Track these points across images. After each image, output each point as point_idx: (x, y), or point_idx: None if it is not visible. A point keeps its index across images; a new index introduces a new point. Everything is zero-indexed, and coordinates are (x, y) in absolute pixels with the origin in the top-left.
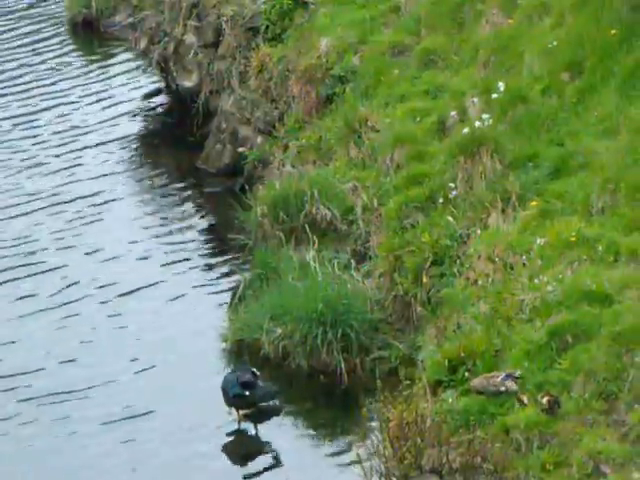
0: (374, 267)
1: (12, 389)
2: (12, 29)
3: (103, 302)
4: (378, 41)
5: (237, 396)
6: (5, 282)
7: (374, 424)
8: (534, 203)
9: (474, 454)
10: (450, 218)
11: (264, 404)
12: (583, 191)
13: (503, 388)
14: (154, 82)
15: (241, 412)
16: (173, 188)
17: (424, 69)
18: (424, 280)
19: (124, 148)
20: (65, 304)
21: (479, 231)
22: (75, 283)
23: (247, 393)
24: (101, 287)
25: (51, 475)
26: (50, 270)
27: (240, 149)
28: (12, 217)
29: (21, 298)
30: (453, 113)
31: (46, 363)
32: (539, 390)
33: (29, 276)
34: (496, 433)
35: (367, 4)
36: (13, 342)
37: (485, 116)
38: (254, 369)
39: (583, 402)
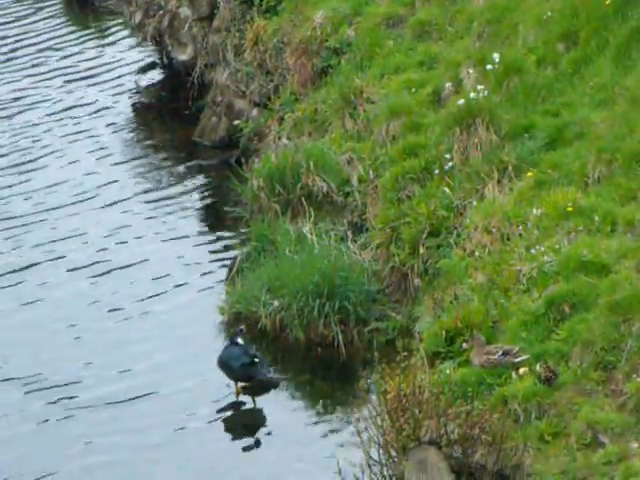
0: (371, 239)
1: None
2: (6, 4)
3: (99, 275)
4: (373, 13)
5: (246, 365)
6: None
7: (372, 396)
8: (530, 174)
9: (472, 425)
10: (446, 189)
11: (264, 377)
12: (579, 161)
13: (504, 361)
14: (149, 56)
15: (239, 385)
16: (169, 161)
17: (419, 40)
18: (421, 251)
19: (119, 122)
20: (66, 276)
21: (475, 202)
22: (71, 261)
23: (257, 360)
24: (97, 262)
25: None
26: (47, 243)
27: (236, 122)
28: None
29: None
30: (448, 84)
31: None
32: (537, 360)
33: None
34: (494, 404)
35: None
36: None
37: (480, 87)
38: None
39: (581, 372)
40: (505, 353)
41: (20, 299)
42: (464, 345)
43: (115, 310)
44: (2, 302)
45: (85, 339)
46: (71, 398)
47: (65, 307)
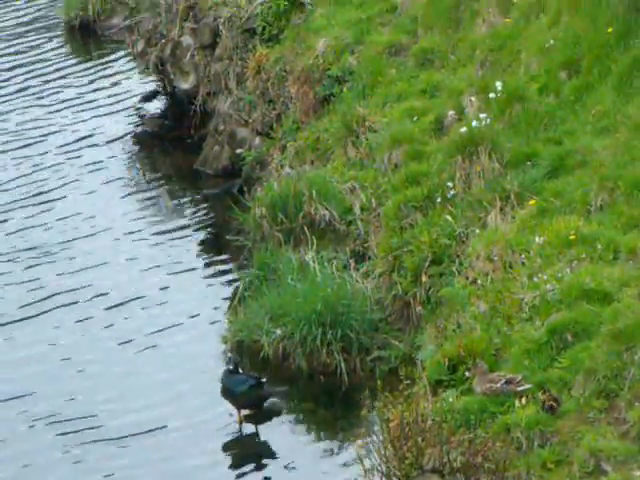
0: (373, 267)
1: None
2: (8, 33)
3: (104, 309)
4: (375, 41)
5: (254, 388)
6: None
7: (375, 424)
8: (532, 202)
9: (475, 453)
10: (449, 217)
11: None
12: (581, 189)
13: (507, 390)
14: (151, 84)
15: (243, 412)
16: (171, 190)
17: (421, 69)
18: (423, 280)
19: (121, 150)
20: (61, 308)
21: (478, 230)
22: (72, 290)
23: (264, 380)
24: (101, 294)
25: None
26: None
27: (238, 150)
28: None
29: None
30: (451, 112)
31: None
32: (539, 389)
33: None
34: (497, 432)
35: (363, 4)
36: None
37: (483, 115)
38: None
39: (583, 400)
40: (508, 382)
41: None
42: (467, 373)
43: (122, 343)
44: (20, 334)
45: (92, 371)
46: (85, 430)
47: (71, 342)
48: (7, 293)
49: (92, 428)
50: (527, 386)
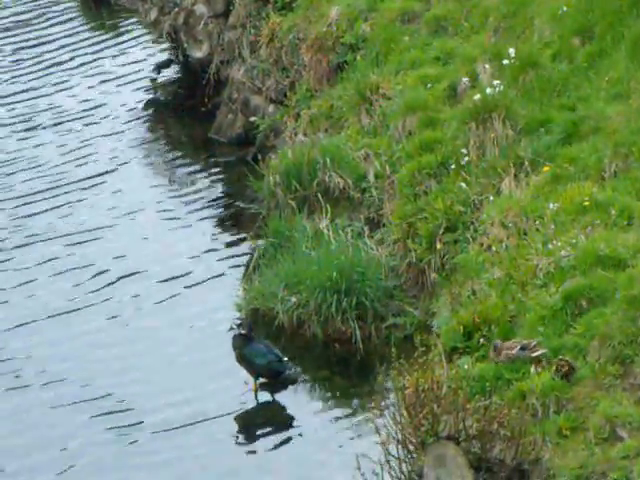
0: (388, 234)
1: None
2: (21, 3)
3: (119, 278)
4: (388, 8)
5: (274, 363)
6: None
7: (390, 391)
8: (546, 168)
9: (491, 420)
10: (463, 184)
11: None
12: (595, 156)
13: (523, 355)
14: (165, 53)
15: (258, 381)
16: (186, 158)
17: (434, 36)
18: (438, 247)
19: (136, 120)
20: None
21: (492, 197)
22: (91, 265)
23: (285, 358)
24: (117, 259)
25: None
26: (67, 252)
27: (252, 118)
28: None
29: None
30: (464, 79)
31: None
32: (555, 355)
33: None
34: (512, 399)
35: None
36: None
37: (496, 82)
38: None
39: (599, 367)
40: (523, 348)
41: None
42: (482, 340)
43: (138, 310)
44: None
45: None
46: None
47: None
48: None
49: (118, 400)
50: (542, 350)
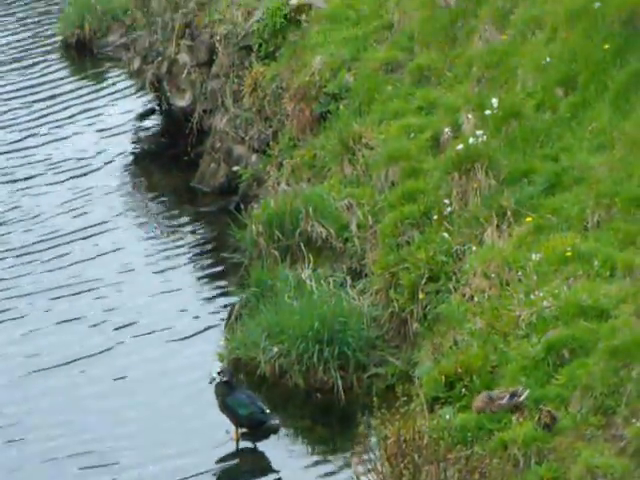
0: (370, 284)
1: None
2: (3, 50)
3: (98, 324)
4: (371, 58)
5: (256, 414)
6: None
7: (372, 441)
8: (529, 219)
9: (472, 470)
10: (445, 234)
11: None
12: (578, 206)
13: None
14: (148, 102)
15: (240, 430)
16: (168, 208)
17: (418, 85)
18: (420, 297)
19: (118, 168)
20: (65, 325)
21: (474, 247)
22: (75, 318)
23: (268, 411)
24: (103, 312)
25: None
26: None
27: (235, 168)
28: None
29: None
30: (447, 129)
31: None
32: (537, 405)
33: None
34: (494, 449)
35: (360, 21)
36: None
37: (479, 132)
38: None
39: (580, 417)
40: (512, 395)
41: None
42: (463, 390)
43: (115, 365)
44: None
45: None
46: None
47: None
48: None
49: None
50: (526, 391)
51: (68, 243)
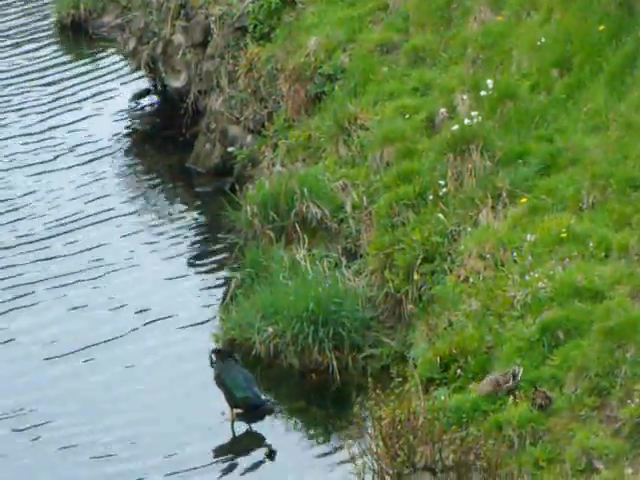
0: (365, 265)
1: None
2: None
3: (93, 300)
4: (366, 39)
5: (252, 400)
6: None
7: (366, 422)
8: (524, 200)
9: (467, 451)
10: (440, 215)
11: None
12: (573, 187)
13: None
14: (143, 83)
15: (235, 411)
16: (163, 188)
17: (413, 66)
18: (415, 277)
19: (113, 149)
20: (61, 306)
21: (469, 228)
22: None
23: (262, 397)
24: (94, 287)
25: None
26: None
27: (230, 148)
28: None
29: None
30: (442, 110)
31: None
32: (531, 387)
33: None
34: (489, 430)
35: (355, 2)
36: None
37: (474, 113)
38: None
39: (575, 398)
40: (514, 376)
41: None
42: (459, 372)
43: (111, 339)
44: None
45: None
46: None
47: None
48: None
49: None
50: (521, 369)
51: (55, 221)
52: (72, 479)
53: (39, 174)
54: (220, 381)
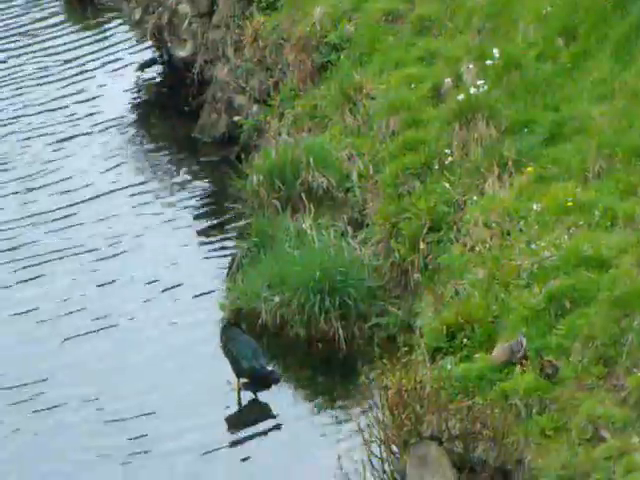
0: (371, 234)
1: None
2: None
3: (102, 271)
4: (372, 8)
5: (258, 371)
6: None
7: (373, 391)
8: (530, 169)
9: (473, 420)
10: (446, 184)
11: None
12: (579, 156)
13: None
14: (149, 52)
15: (241, 380)
16: (169, 158)
17: (418, 36)
18: (421, 247)
19: (119, 119)
20: (65, 276)
21: (475, 197)
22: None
23: (268, 368)
24: (100, 258)
25: None
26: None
27: (235, 118)
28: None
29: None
30: (448, 80)
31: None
32: (538, 356)
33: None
34: (495, 399)
35: None
36: None
37: (480, 82)
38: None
39: (582, 367)
40: (521, 344)
41: None
42: (465, 341)
43: (119, 316)
44: None
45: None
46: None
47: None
48: None
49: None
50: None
51: (63, 190)
52: (82, 447)
53: (45, 145)
54: (227, 351)
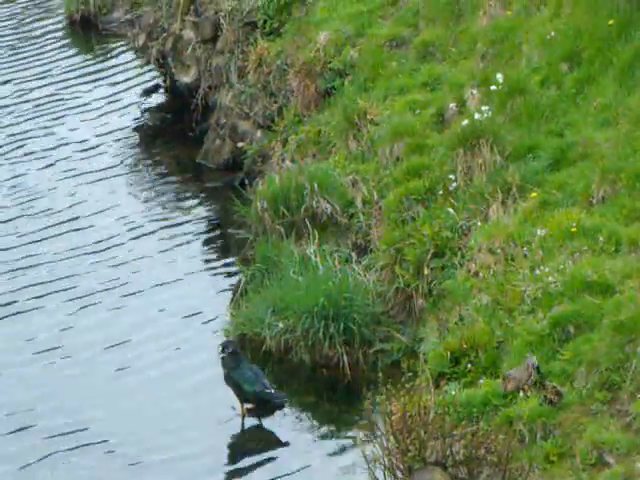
0: (375, 260)
1: None
2: (9, 26)
3: (106, 301)
4: (376, 34)
5: (262, 394)
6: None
7: (377, 417)
8: (534, 194)
9: (478, 446)
10: (450, 210)
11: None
12: (583, 181)
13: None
14: (153, 78)
15: (246, 406)
16: (173, 184)
17: (422, 61)
18: (425, 272)
19: (123, 144)
20: (72, 304)
21: (480, 223)
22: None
23: (270, 391)
24: (106, 288)
25: None
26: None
27: (239, 144)
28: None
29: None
30: (452, 105)
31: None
32: (542, 381)
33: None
34: (499, 424)
35: None
36: None
37: (484, 108)
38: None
39: (586, 392)
40: (533, 367)
41: None
42: (469, 366)
43: (124, 342)
44: None
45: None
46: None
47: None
48: None
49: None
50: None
51: (66, 218)
52: (76, 467)
53: (47, 167)
54: (229, 378)
